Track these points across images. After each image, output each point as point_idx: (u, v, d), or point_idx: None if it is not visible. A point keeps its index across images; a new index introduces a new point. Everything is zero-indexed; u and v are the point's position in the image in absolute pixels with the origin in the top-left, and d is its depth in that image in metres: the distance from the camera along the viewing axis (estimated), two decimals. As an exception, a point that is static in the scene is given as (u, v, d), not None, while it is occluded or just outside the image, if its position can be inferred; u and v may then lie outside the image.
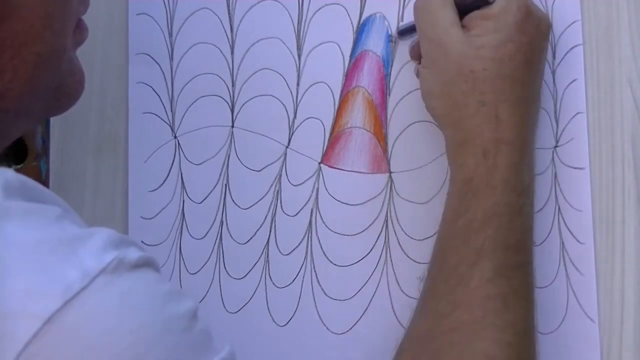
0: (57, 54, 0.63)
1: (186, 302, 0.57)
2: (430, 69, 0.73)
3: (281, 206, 0.79)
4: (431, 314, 0.68)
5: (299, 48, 0.81)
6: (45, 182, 0.81)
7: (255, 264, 0.79)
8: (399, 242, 0.78)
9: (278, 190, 0.80)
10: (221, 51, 0.81)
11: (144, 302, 0.55)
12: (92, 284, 0.53)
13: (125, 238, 0.57)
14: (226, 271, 0.79)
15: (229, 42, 0.81)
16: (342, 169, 0.79)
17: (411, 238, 0.78)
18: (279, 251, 0.79)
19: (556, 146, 0.78)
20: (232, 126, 0.80)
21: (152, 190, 0.80)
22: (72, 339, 0.52)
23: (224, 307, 0.78)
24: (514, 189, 0.69)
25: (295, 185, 0.79)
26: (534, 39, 0.72)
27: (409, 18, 0.80)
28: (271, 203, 0.79)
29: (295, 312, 0.78)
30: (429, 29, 0.73)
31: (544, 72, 0.76)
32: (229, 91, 0.81)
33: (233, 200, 0.80)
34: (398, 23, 0.80)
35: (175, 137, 0.80)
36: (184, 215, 0.80)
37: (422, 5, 0.74)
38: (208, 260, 0.79)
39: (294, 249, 0.79)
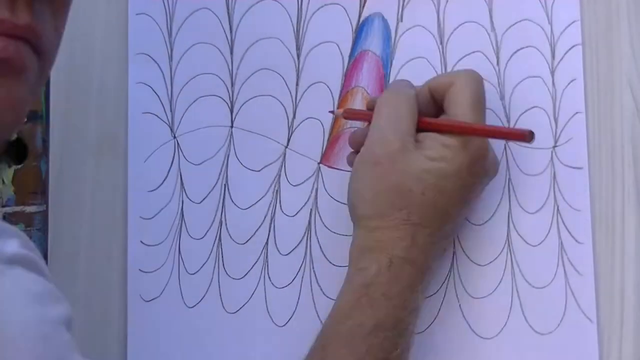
0: None
1: (58, 308, 0.53)
2: (371, 170, 0.71)
3: (280, 206, 0.79)
4: None
5: (298, 48, 0.81)
6: (45, 182, 0.81)
7: (255, 264, 0.79)
8: (398, 242, 0.78)
9: (277, 191, 0.80)
10: (220, 51, 0.81)
11: (5, 301, 0.51)
12: None
13: (9, 230, 0.53)
14: (225, 271, 0.79)
15: (228, 42, 0.81)
16: (341, 169, 0.79)
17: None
18: (278, 251, 0.79)
19: (555, 146, 0.78)
20: (232, 126, 0.81)
21: (152, 190, 0.80)
22: None
23: (223, 307, 0.79)
24: (405, 307, 0.70)
25: (294, 186, 0.79)
26: (477, 182, 0.72)
27: (408, 18, 0.80)
28: (270, 203, 0.79)
29: (294, 312, 0.78)
30: (386, 127, 0.71)
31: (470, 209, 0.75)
32: (228, 91, 0.81)
33: (232, 201, 0.80)
34: (397, 23, 0.80)
35: (175, 137, 0.81)
36: (183, 216, 0.80)
37: (389, 103, 0.72)
38: (207, 260, 0.79)
39: (293, 249, 0.79)
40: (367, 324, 0.68)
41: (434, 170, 0.70)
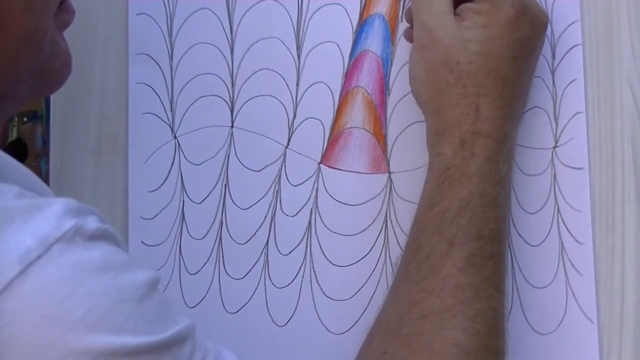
0: (38, 36, 0.63)
1: (144, 272, 0.58)
2: (419, 54, 0.73)
3: (281, 206, 0.79)
4: (402, 300, 0.69)
5: (299, 48, 0.81)
6: (45, 182, 0.81)
7: (255, 264, 0.79)
8: (398, 242, 0.78)
9: (277, 191, 0.80)
10: (221, 51, 0.81)
11: (98, 271, 0.56)
12: (49, 251, 0.54)
13: (86, 207, 0.58)
14: (226, 271, 0.79)
15: (228, 42, 0.81)
16: (341, 169, 0.79)
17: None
18: (279, 251, 0.79)
19: (555, 146, 0.78)
20: (232, 126, 0.81)
21: (152, 191, 0.80)
22: (29, 307, 0.53)
23: (224, 307, 0.79)
24: (489, 179, 0.70)
25: (294, 186, 0.79)
26: (525, 36, 0.72)
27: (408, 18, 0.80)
28: (271, 203, 0.79)
29: (294, 312, 0.78)
30: (422, 14, 0.73)
31: (535, 67, 0.75)
32: (228, 91, 0.81)
33: (233, 201, 0.80)
34: (397, 23, 0.80)
35: (175, 137, 0.81)
36: (183, 216, 0.80)
37: None
38: (208, 260, 0.79)
39: (294, 249, 0.79)
40: (452, 207, 0.69)
41: (474, 37, 0.71)
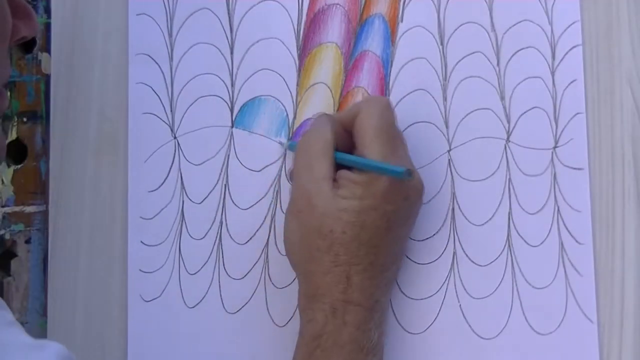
0: None
1: None
2: (295, 217, 0.73)
3: (281, 206, 0.79)
4: None
5: (299, 48, 0.81)
6: (45, 182, 0.81)
7: (255, 264, 0.79)
8: (398, 243, 0.78)
9: (278, 191, 0.80)
10: (221, 51, 0.81)
11: None
12: None
13: (72, 357, 0.58)
14: (225, 271, 0.79)
15: (228, 43, 0.81)
16: (341, 170, 0.79)
17: (411, 238, 0.78)
18: (279, 251, 0.79)
19: (555, 147, 0.78)
20: (232, 126, 0.81)
21: (152, 191, 0.80)
22: None
23: (224, 307, 0.78)
24: (362, 349, 0.70)
25: (294, 186, 0.79)
26: (400, 208, 0.72)
27: (408, 18, 0.80)
28: (271, 203, 0.79)
29: (294, 312, 0.77)
30: (302, 177, 0.73)
31: (409, 234, 0.76)
32: (228, 91, 0.81)
33: (232, 201, 0.80)
34: (397, 23, 0.80)
35: (175, 137, 0.80)
36: (183, 216, 0.80)
37: (303, 147, 0.74)
38: (207, 260, 0.79)
39: (294, 250, 0.79)
40: None
41: (350, 208, 0.70)
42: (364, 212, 0.70)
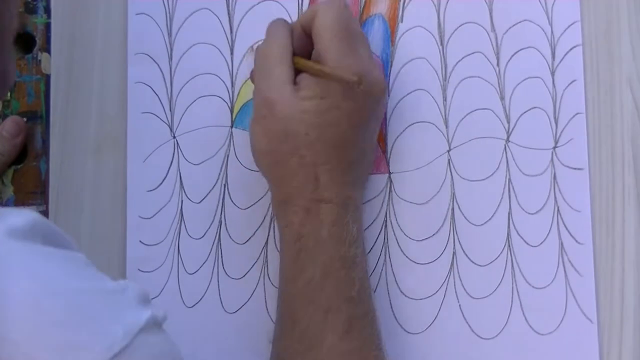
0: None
1: None
2: (259, 124, 0.73)
3: (280, 206, 0.79)
4: None
5: (299, 48, 0.81)
6: (45, 182, 0.81)
7: (254, 264, 0.79)
8: (398, 243, 0.78)
9: (277, 191, 0.79)
10: (220, 51, 0.81)
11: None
12: (133, 342, 0.54)
13: (147, 292, 0.59)
14: (225, 271, 0.79)
15: (228, 43, 0.81)
16: (341, 169, 0.79)
17: (410, 239, 0.78)
18: (278, 251, 0.78)
19: (555, 147, 0.78)
20: (232, 126, 0.81)
21: (151, 190, 0.80)
22: None
23: (223, 307, 0.78)
24: (343, 242, 0.71)
25: (294, 186, 0.79)
26: (362, 105, 0.72)
27: (408, 18, 0.80)
28: (270, 203, 0.79)
29: (293, 312, 0.77)
30: (262, 83, 0.73)
31: (376, 132, 0.76)
32: (228, 91, 0.81)
33: (232, 200, 0.80)
34: (397, 24, 0.80)
35: (174, 137, 0.81)
36: (182, 215, 0.80)
37: (261, 54, 0.74)
38: (206, 260, 0.79)
39: (293, 249, 0.79)
40: (315, 276, 0.70)
41: (311, 108, 0.71)
42: (326, 112, 0.71)
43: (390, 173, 0.79)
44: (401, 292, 0.77)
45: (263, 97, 0.72)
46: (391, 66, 0.80)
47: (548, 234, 0.77)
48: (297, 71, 0.73)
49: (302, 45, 0.74)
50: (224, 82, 0.81)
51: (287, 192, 0.72)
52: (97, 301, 0.55)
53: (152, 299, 0.78)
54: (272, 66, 0.72)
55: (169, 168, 0.80)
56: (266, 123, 0.72)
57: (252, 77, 0.76)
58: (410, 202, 0.79)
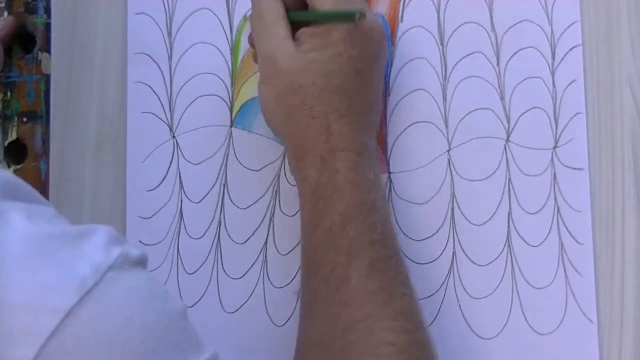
0: None
1: (178, 301, 0.60)
2: (265, 83, 0.74)
3: (280, 206, 0.79)
4: (321, 318, 0.69)
5: (298, 48, 0.81)
6: (45, 182, 0.81)
7: (254, 263, 0.79)
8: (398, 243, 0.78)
9: (277, 190, 0.79)
10: (220, 51, 0.81)
11: (149, 300, 0.57)
12: (103, 279, 0.54)
13: (121, 236, 0.60)
14: (224, 271, 0.79)
15: (228, 43, 0.81)
16: (340, 169, 0.79)
17: (410, 238, 0.78)
18: (278, 251, 0.78)
19: (555, 147, 0.78)
20: (231, 126, 0.80)
21: (150, 190, 0.80)
22: (89, 334, 0.53)
23: (222, 307, 0.78)
24: (361, 187, 0.70)
25: (293, 185, 0.79)
26: (364, 50, 0.72)
27: (409, 19, 0.80)
28: (270, 203, 0.79)
29: (293, 312, 0.77)
30: (263, 43, 0.74)
31: (382, 77, 0.76)
32: (227, 91, 0.81)
33: (231, 200, 0.80)
34: (397, 23, 0.80)
35: (174, 136, 0.80)
36: (182, 215, 0.80)
37: (256, 18, 0.75)
38: (206, 260, 0.79)
39: (293, 249, 0.78)
40: (336, 223, 0.69)
41: (314, 59, 0.71)
42: (329, 61, 0.71)
43: (390, 173, 0.79)
44: (401, 292, 0.77)
45: (265, 56, 0.73)
46: (391, 66, 0.80)
47: (548, 234, 0.77)
48: (294, 29, 0.73)
49: (293, 2, 0.75)
50: (223, 81, 0.81)
51: (301, 145, 0.72)
52: (65, 243, 0.56)
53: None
54: (268, 25, 0.73)
55: (169, 168, 0.80)
56: (272, 81, 0.73)
57: (251, 41, 0.77)
58: (410, 202, 0.79)
